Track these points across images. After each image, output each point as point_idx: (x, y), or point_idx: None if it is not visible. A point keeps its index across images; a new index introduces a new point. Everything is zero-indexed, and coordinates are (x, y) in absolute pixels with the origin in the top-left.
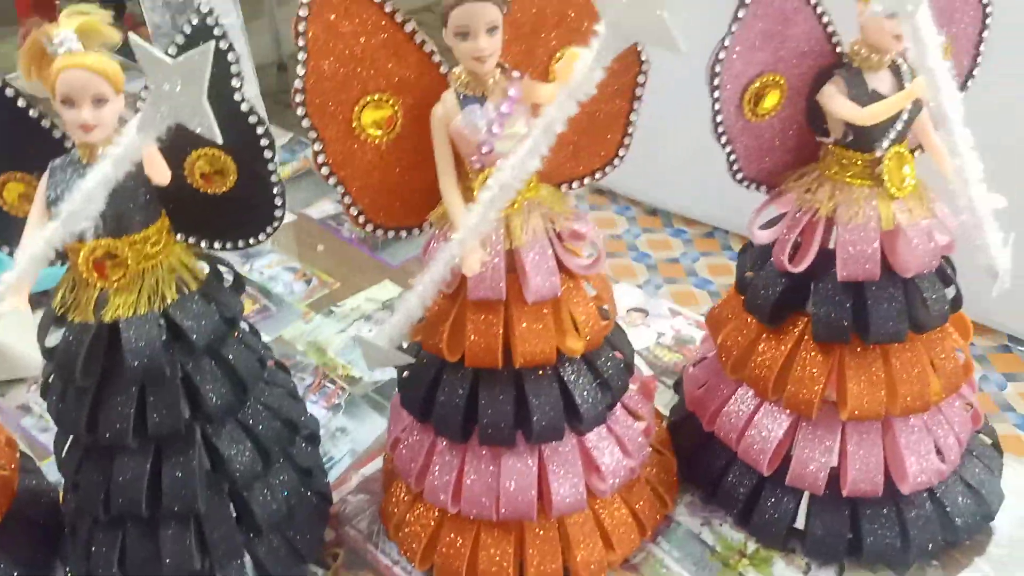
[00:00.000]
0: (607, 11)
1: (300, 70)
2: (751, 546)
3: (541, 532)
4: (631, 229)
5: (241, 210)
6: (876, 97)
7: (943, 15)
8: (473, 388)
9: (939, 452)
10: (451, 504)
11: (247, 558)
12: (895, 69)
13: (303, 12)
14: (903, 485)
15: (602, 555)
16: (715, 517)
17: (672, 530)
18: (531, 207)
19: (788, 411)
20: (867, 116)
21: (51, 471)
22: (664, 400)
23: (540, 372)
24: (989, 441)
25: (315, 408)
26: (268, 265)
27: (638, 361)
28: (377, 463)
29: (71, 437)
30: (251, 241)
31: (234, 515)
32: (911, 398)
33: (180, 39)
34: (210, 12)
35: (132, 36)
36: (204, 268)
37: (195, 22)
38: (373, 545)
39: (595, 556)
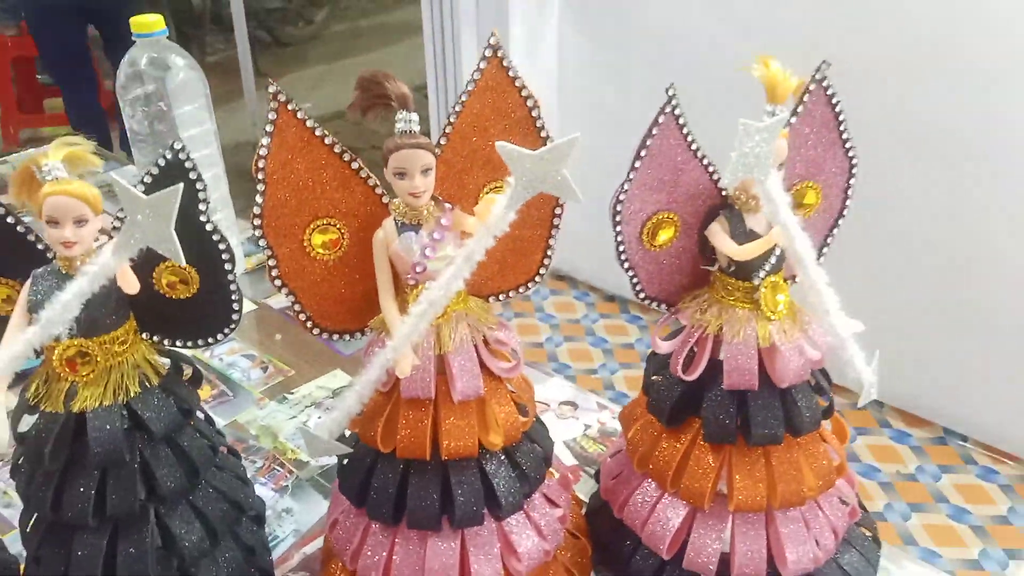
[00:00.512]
0: (513, 166)
1: (259, 198)
2: None
3: None
4: (589, 314)
5: (202, 314)
6: (752, 236)
7: (814, 165)
8: (404, 477)
9: (816, 541)
10: None
11: None
12: None
13: (263, 151)
14: (784, 570)
15: None
16: None
17: None
18: (459, 318)
19: (685, 502)
20: (742, 253)
21: (13, 544)
22: (587, 488)
23: (464, 464)
24: (868, 534)
25: (263, 490)
26: (229, 352)
27: (564, 451)
28: (318, 542)
29: (35, 515)
30: (209, 340)
31: None
32: (788, 494)
33: (155, 169)
34: (182, 149)
35: (112, 175)
36: (166, 364)
37: (168, 157)
38: None
39: None
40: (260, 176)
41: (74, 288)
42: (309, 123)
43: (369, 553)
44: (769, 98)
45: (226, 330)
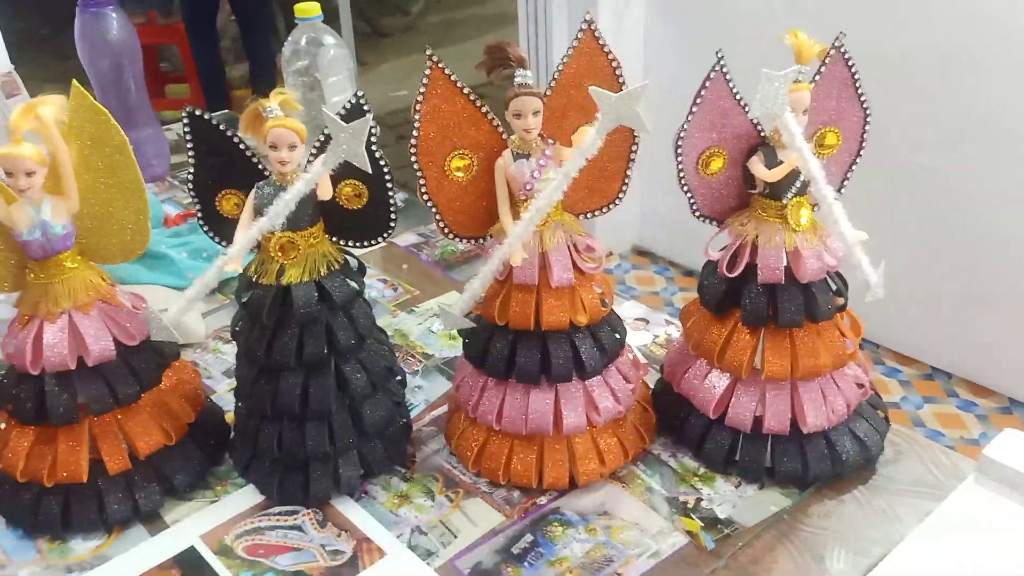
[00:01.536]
0: (601, 104)
1: (414, 132)
2: (702, 470)
3: (556, 447)
4: (668, 287)
5: (368, 221)
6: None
7: (835, 114)
8: (513, 343)
9: (832, 409)
10: (495, 423)
11: (356, 453)
12: None
13: (419, 97)
14: (804, 427)
15: (596, 467)
16: (679, 451)
17: (649, 459)
18: (557, 226)
19: (728, 374)
20: (772, 175)
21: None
22: (653, 379)
23: (559, 335)
24: (881, 414)
25: None
26: (368, 276)
27: (637, 353)
28: (442, 409)
29: (250, 363)
30: (372, 243)
31: (351, 421)
32: (807, 367)
33: (343, 110)
34: (363, 96)
35: (324, 110)
36: (342, 258)
37: (353, 101)
38: (439, 456)
39: (591, 467)
40: (416, 116)
41: (294, 190)
42: (452, 77)
43: (486, 402)
44: (796, 59)
45: (386, 234)
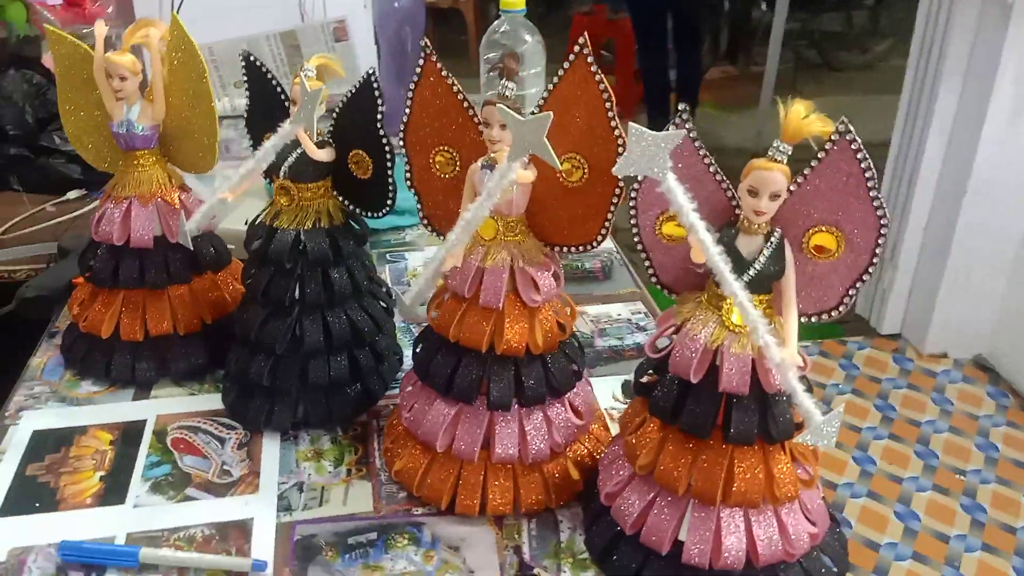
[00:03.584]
0: (510, 127)
1: (404, 118)
2: (583, 554)
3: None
4: (994, 417)
5: (371, 192)
6: (734, 251)
7: (837, 212)
8: (457, 362)
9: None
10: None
11: (294, 400)
12: (767, 236)
13: (412, 84)
14: (723, 560)
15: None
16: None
17: (544, 518)
18: (505, 246)
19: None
20: (694, 253)
21: None
22: None
23: (505, 360)
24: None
25: None
26: None
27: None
28: None
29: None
30: (374, 214)
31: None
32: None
33: (354, 88)
34: (373, 73)
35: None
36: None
37: (364, 78)
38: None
39: (499, 501)
40: (408, 102)
41: (273, 139)
42: (444, 73)
43: (416, 412)
44: (782, 135)
45: (384, 210)
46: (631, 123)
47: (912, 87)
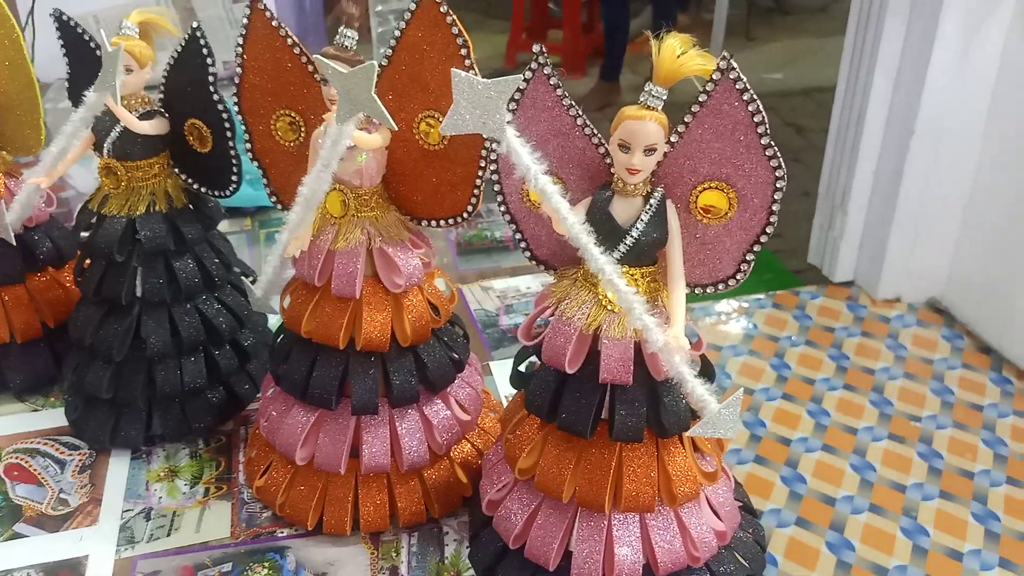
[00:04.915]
0: (334, 81)
1: (236, 79)
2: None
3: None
4: (949, 360)
5: (215, 168)
6: (607, 220)
7: (726, 167)
8: (313, 361)
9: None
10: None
11: (144, 412)
12: (646, 198)
13: (240, 40)
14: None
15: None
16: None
17: (426, 531)
18: (359, 223)
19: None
20: (555, 223)
21: None
22: None
23: (367, 356)
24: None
25: None
26: None
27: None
28: None
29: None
30: (221, 194)
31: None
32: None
33: (179, 47)
34: (198, 28)
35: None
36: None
37: (188, 35)
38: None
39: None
40: (238, 62)
41: (76, 117)
42: (274, 23)
43: (274, 418)
44: (654, 77)
45: (230, 188)
46: (455, 71)
47: (856, 29)
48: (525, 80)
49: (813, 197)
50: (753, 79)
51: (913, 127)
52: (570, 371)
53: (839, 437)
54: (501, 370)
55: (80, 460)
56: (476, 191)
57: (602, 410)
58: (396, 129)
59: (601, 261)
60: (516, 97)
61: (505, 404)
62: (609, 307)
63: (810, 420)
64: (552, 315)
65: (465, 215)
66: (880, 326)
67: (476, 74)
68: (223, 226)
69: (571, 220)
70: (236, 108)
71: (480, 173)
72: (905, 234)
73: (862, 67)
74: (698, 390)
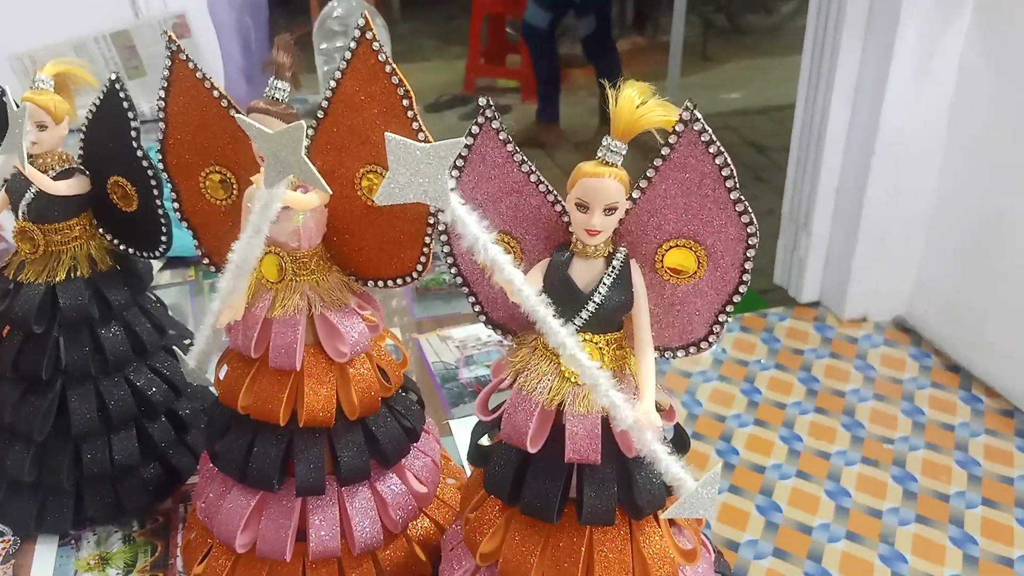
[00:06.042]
0: (259, 143)
1: (159, 135)
2: None
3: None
4: (919, 379)
5: (142, 228)
6: (568, 283)
7: (695, 223)
8: (252, 439)
9: None
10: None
11: (72, 492)
12: (608, 260)
13: (161, 94)
14: None
15: None
16: None
17: None
18: (297, 288)
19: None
20: (509, 293)
21: None
22: None
23: (313, 431)
24: None
25: None
26: None
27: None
28: None
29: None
30: (150, 254)
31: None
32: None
33: (97, 100)
34: (118, 80)
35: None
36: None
37: (107, 88)
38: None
39: None
40: (161, 115)
41: None
42: (198, 75)
43: (211, 504)
44: (612, 131)
45: (160, 249)
46: (388, 134)
47: (813, 47)
48: (472, 136)
49: (777, 216)
50: (711, 98)
51: (874, 146)
52: (532, 451)
53: (813, 463)
54: (462, 429)
55: (3, 548)
56: (426, 248)
57: (569, 490)
58: (330, 193)
59: (561, 335)
60: (464, 154)
61: (467, 469)
62: (572, 379)
63: (783, 446)
64: (509, 387)
65: (415, 275)
66: (848, 347)
67: (420, 126)
68: (164, 277)
69: (526, 292)
70: (161, 165)
71: (429, 231)
72: (870, 252)
73: (820, 86)
74: (673, 468)
